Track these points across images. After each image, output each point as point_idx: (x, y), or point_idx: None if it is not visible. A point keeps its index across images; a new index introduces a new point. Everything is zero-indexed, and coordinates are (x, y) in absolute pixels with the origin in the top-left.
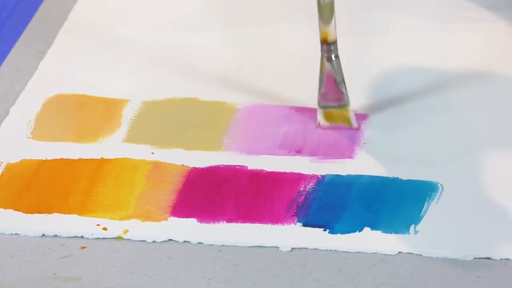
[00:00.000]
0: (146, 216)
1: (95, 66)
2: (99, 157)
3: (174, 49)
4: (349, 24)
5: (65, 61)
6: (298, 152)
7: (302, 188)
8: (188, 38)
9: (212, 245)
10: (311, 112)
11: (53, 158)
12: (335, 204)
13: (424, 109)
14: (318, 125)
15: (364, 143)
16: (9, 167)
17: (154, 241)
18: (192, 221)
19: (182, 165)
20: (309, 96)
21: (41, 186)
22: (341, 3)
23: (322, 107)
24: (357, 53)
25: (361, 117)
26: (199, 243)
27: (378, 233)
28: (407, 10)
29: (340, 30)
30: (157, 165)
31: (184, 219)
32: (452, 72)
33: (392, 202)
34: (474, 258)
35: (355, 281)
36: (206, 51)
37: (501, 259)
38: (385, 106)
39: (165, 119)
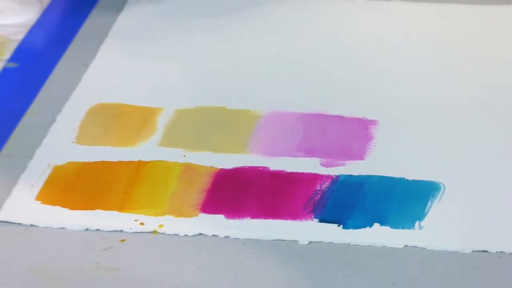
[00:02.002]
0: (178, 213)
1: (133, 78)
2: (137, 160)
3: (204, 61)
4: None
5: (105, 74)
6: (315, 154)
7: (318, 187)
8: (215, 51)
9: (238, 238)
10: (326, 117)
11: (95, 160)
12: (348, 202)
13: (429, 114)
14: None
15: (374, 146)
16: (56, 169)
17: (186, 235)
18: (220, 217)
19: (211, 166)
20: (324, 103)
21: (85, 186)
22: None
23: None
24: (367, 61)
25: (371, 122)
26: (226, 236)
27: (386, 228)
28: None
29: (353, 40)
30: (188, 166)
31: (213, 215)
32: (456, 82)
33: (399, 200)
34: (473, 251)
35: (366, 272)
36: (232, 63)
37: (496, 252)
38: (393, 112)
39: (196, 125)
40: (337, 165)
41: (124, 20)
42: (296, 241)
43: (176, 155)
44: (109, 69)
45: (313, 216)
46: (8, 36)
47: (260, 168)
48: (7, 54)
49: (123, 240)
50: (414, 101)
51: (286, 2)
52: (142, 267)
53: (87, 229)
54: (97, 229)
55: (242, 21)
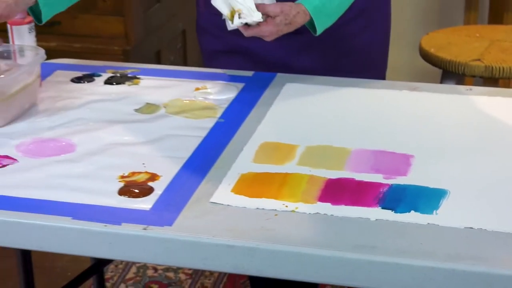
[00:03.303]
0: (305, 201)
1: (283, 128)
2: (284, 172)
3: (320, 121)
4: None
5: (269, 125)
6: (380, 172)
7: (382, 190)
8: (328, 117)
9: (337, 216)
10: (385, 152)
11: (263, 172)
12: (397, 198)
13: (441, 151)
14: None
15: (412, 168)
16: (242, 176)
17: (309, 213)
18: (328, 204)
19: (324, 177)
20: (384, 145)
21: (257, 185)
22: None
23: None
24: (409, 124)
25: (410, 156)
26: (331, 215)
27: (417, 213)
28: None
29: (400, 112)
30: (312, 176)
31: (324, 203)
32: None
33: (424, 198)
34: (464, 227)
35: (406, 237)
36: (336, 123)
37: (477, 228)
38: (422, 151)
39: (316, 154)
40: (391, 178)
41: (283, 95)
42: (368, 218)
43: (305, 170)
44: (271, 123)
45: (378, 205)
46: (219, 105)
47: (351, 178)
48: (219, 114)
49: (276, 215)
50: (434, 146)
51: (364, 90)
52: (287, 230)
53: (257, 208)
54: (263, 208)
55: (341, 102)
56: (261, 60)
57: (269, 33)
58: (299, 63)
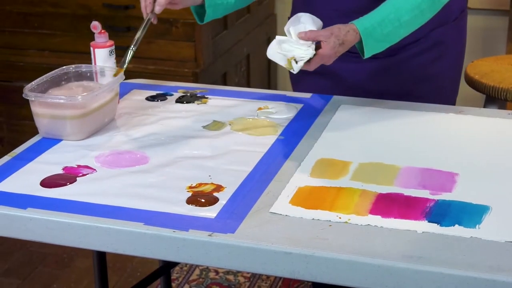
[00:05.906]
0: (358, 213)
1: (336, 146)
2: (338, 186)
3: (374, 140)
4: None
5: (324, 143)
6: (427, 188)
7: (428, 205)
8: (382, 136)
9: (387, 228)
10: (432, 170)
11: (319, 185)
12: (442, 213)
13: (483, 171)
14: None
15: (456, 185)
16: (299, 189)
17: (360, 224)
18: (378, 217)
19: (375, 191)
20: (432, 163)
21: (312, 197)
22: None
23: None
24: (455, 143)
25: (455, 174)
26: (381, 226)
27: (461, 227)
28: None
29: (446, 133)
30: (364, 191)
31: (375, 215)
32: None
33: (468, 213)
34: (505, 241)
35: (451, 248)
36: (388, 141)
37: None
38: (466, 169)
39: (368, 171)
40: (437, 194)
41: (338, 115)
42: (416, 231)
43: (358, 185)
44: (327, 141)
45: (425, 219)
46: (280, 123)
47: (400, 193)
48: (279, 132)
49: (330, 225)
50: (477, 165)
51: (413, 113)
52: (339, 238)
53: (313, 219)
54: (318, 219)
55: (391, 123)
56: (342, 82)
57: (328, 57)
58: (376, 86)
